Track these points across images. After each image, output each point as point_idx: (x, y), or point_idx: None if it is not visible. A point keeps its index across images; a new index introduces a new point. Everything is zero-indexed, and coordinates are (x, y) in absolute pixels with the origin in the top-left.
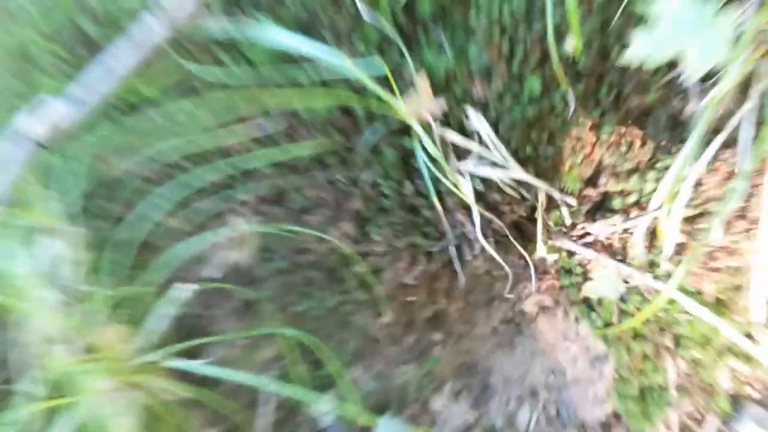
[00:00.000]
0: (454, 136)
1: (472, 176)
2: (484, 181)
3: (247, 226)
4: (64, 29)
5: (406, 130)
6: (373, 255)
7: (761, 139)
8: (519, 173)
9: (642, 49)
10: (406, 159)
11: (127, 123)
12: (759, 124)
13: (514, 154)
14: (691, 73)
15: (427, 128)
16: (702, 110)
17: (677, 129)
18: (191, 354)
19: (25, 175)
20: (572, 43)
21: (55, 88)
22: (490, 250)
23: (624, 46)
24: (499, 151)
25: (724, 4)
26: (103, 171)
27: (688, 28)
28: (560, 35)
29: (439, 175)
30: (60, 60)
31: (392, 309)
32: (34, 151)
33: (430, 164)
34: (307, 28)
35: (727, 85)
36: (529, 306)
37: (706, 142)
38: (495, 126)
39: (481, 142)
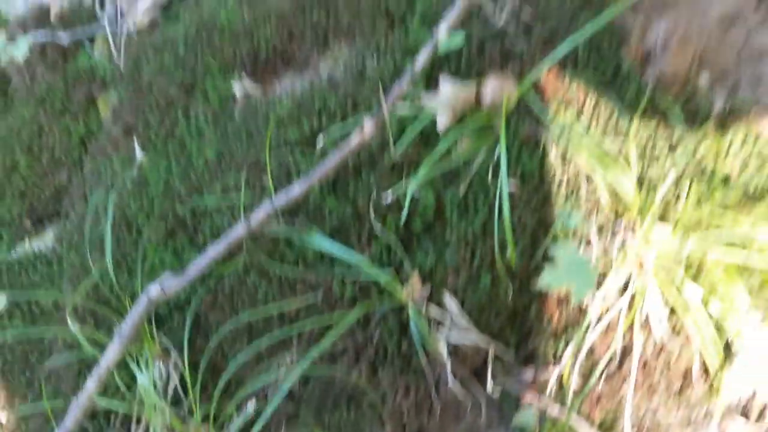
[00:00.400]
0: (435, 311)
1: (447, 338)
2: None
3: (296, 363)
4: (162, 209)
5: (404, 305)
6: (381, 386)
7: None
8: (477, 337)
9: (547, 279)
10: (405, 324)
11: (214, 288)
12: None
13: (475, 322)
14: (576, 297)
15: (418, 305)
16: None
17: (582, 310)
18: None
19: (147, 322)
20: (510, 254)
21: (154, 256)
22: (456, 388)
23: (545, 260)
24: (464, 321)
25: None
26: (199, 320)
27: (574, 268)
28: (503, 247)
29: (426, 336)
30: (159, 236)
31: (392, 423)
32: (153, 306)
33: (420, 329)
34: (340, 232)
35: (607, 297)
36: (483, 423)
37: (598, 320)
38: (462, 303)
39: (452, 315)
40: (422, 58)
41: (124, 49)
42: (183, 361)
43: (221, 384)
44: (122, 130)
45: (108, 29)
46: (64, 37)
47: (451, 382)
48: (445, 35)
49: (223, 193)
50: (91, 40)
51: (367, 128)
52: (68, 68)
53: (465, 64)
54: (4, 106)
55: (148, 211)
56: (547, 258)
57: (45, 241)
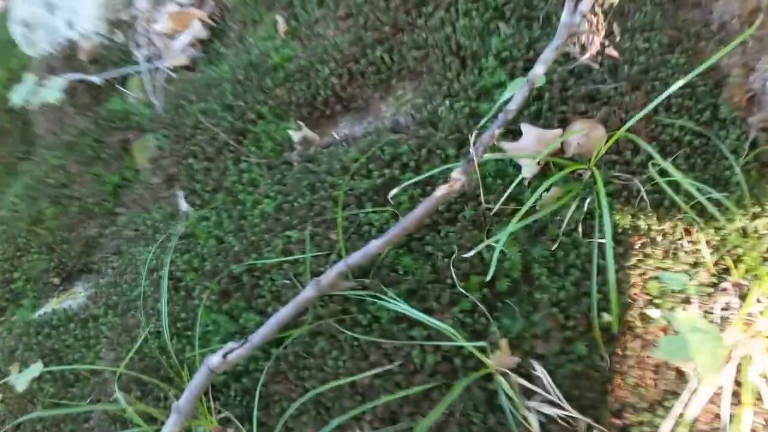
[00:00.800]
0: (524, 382)
1: (537, 411)
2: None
3: None
4: (214, 267)
5: (490, 376)
6: None
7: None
8: (568, 410)
9: (666, 350)
10: (491, 397)
11: (278, 355)
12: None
13: (566, 395)
14: (703, 373)
15: (505, 376)
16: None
17: (682, 376)
18: None
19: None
20: (609, 319)
21: (207, 318)
22: None
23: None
24: (555, 393)
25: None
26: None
27: (699, 340)
28: (600, 311)
29: (515, 409)
30: (212, 297)
31: None
32: (212, 377)
33: (507, 402)
34: (417, 293)
35: None
36: None
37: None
38: (552, 374)
39: (542, 386)
40: (516, 103)
41: (161, 92)
42: None
43: None
44: (163, 179)
45: (143, 69)
46: (96, 78)
47: None
48: (541, 77)
49: (284, 251)
50: (125, 81)
51: (457, 179)
52: (100, 111)
53: (546, 107)
54: (26, 152)
55: (198, 270)
56: (644, 321)
57: (76, 299)
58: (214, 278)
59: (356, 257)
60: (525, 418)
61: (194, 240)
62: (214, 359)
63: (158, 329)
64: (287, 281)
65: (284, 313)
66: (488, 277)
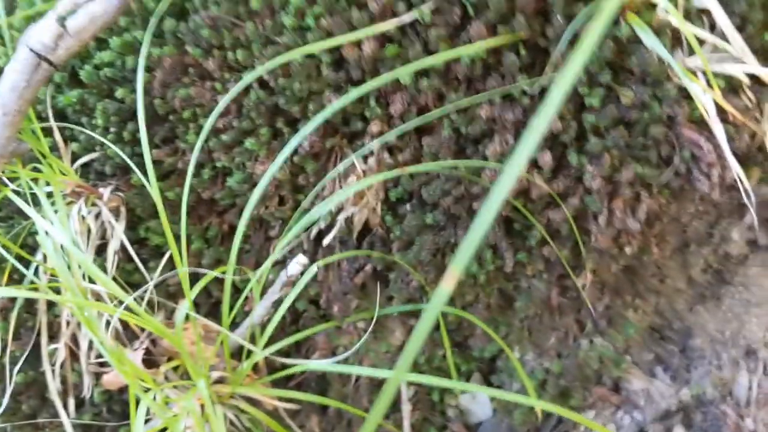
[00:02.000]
0: (681, 23)
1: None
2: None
3: (378, 167)
4: None
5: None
6: (574, 194)
7: None
8: (756, 68)
9: None
10: (620, 53)
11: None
12: None
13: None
14: None
15: (648, 8)
16: None
17: None
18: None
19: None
20: None
21: None
22: None
23: None
24: (737, 44)
25: None
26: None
27: None
28: None
29: (662, 76)
30: None
31: (594, 266)
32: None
33: (650, 62)
34: None
35: None
36: (737, 246)
37: None
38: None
39: (713, 29)
40: None
41: None
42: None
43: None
44: None
45: None
46: None
47: None
48: None
49: None
50: None
51: None
52: None
53: None
54: None
55: None
56: None
57: None
58: None
59: None
60: (687, 90)
61: None
62: (44, 28)
63: None
64: None
65: None
66: None
